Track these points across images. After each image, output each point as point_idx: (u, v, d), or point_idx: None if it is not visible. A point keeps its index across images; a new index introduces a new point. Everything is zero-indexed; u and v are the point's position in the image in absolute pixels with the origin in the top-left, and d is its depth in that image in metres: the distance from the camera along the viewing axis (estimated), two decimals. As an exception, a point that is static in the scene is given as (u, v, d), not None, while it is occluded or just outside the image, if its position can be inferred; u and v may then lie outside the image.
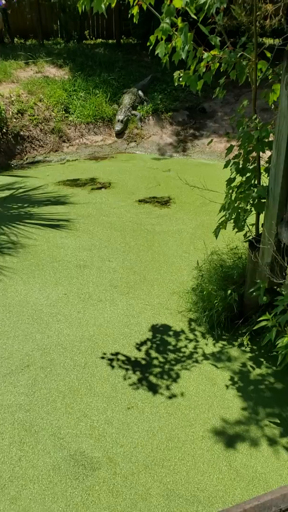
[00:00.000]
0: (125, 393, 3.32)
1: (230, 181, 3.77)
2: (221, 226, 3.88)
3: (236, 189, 3.75)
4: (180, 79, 3.45)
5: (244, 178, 3.71)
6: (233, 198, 3.74)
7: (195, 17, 3.16)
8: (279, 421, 3.11)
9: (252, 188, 3.66)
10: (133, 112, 9.46)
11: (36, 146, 8.65)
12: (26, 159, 8.37)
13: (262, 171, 3.68)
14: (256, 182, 3.69)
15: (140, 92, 9.73)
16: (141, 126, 9.43)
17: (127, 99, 9.49)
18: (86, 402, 3.24)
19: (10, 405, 3.20)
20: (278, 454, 2.88)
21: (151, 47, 3.37)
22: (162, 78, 10.40)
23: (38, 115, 8.83)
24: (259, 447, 2.93)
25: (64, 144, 8.90)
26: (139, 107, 9.61)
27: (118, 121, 9.26)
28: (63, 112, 9.13)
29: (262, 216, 3.65)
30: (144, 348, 3.77)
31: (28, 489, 2.65)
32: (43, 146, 8.69)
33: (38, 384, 3.40)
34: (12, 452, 2.86)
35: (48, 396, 3.29)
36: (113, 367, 3.56)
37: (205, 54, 3.33)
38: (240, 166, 3.70)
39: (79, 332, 3.95)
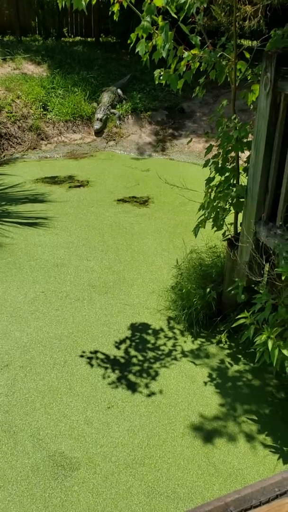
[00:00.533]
0: (105, 392, 3.30)
1: (209, 180, 3.80)
2: (200, 225, 3.90)
3: (215, 189, 3.78)
4: (161, 77, 3.46)
5: (223, 178, 3.75)
6: (212, 197, 3.77)
7: (175, 16, 3.17)
8: (256, 418, 3.15)
9: (231, 187, 3.70)
10: (112, 110, 9.40)
11: (13, 143, 8.50)
12: (4, 156, 8.22)
13: (240, 170, 3.72)
14: (235, 182, 3.74)
15: (119, 91, 9.68)
16: (120, 124, 9.39)
17: (106, 97, 9.41)
18: (66, 402, 3.21)
19: (-12, 406, 3.14)
20: (255, 450, 2.92)
21: (131, 45, 3.37)
22: (141, 77, 10.40)
23: (16, 112, 8.69)
24: (236, 443, 2.97)
25: (42, 142, 8.78)
26: (118, 106, 9.58)
27: (97, 119, 9.17)
28: (42, 109, 9.01)
29: (240, 215, 3.69)
30: (123, 346, 3.76)
31: (6, 491, 2.60)
32: (21, 144, 8.55)
33: (18, 384, 3.34)
34: (-10, 453, 2.81)
35: (27, 396, 3.24)
36: (92, 365, 3.54)
37: (186, 53, 3.35)
38: (219, 165, 3.74)
39: (58, 330, 3.91)
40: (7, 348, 3.69)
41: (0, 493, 2.58)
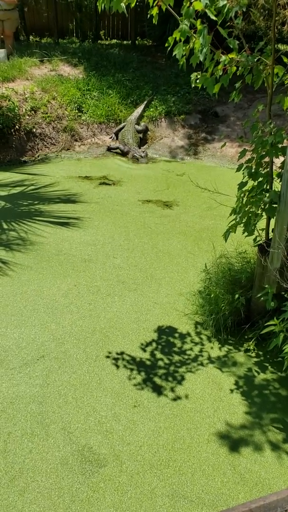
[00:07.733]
0: (132, 390, 3.34)
1: (242, 185, 3.77)
2: (231, 230, 3.88)
3: (247, 193, 3.75)
4: (197, 81, 3.47)
5: (256, 183, 3.72)
6: (244, 202, 3.74)
7: (215, 19, 3.16)
8: (282, 427, 3.11)
9: (263, 192, 3.66)
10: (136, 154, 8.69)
11: (48, 143, 8.69)
12: (38, 156, 8.41)
13: (274, 176, 3.68)
14: (268, 187, 3.70)
15: (137, 127, 9.16)
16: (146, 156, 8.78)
17: (129, 138, 8.78)
18: (96, 396, 3.27)
19: (24, 396, 3.24)
20: (281, 460, 2.89)
21: (168, 48, 3.39)
22: (175, 81, 10.41)
23: (51, 113, 8.87)
24: (263, 452, 2.93)
25: (76, 143, 8.93)
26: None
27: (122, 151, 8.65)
28: (76, 111, 9.17)
29: (272, 221, 3.65)
30: (151, 348, 3.79)
31: (35, 482, 2.67)
32: (55, 144, 8.73)
33: (52, 375, 3.44)
34: (24, 443, 2.90)
35: (60, 389, 3.33)
36: (122, 362, 3.59)
37: (223, 57, 3.35)
38: (253, 170, 3.71)
39: (91, 324, 4.00)
40: (43, 339, 3.80)
41: (30, 484, 2.66)
